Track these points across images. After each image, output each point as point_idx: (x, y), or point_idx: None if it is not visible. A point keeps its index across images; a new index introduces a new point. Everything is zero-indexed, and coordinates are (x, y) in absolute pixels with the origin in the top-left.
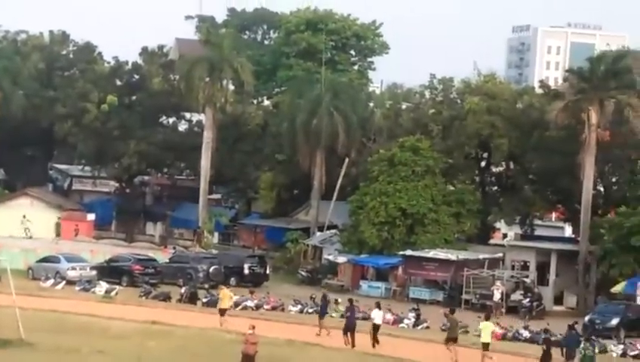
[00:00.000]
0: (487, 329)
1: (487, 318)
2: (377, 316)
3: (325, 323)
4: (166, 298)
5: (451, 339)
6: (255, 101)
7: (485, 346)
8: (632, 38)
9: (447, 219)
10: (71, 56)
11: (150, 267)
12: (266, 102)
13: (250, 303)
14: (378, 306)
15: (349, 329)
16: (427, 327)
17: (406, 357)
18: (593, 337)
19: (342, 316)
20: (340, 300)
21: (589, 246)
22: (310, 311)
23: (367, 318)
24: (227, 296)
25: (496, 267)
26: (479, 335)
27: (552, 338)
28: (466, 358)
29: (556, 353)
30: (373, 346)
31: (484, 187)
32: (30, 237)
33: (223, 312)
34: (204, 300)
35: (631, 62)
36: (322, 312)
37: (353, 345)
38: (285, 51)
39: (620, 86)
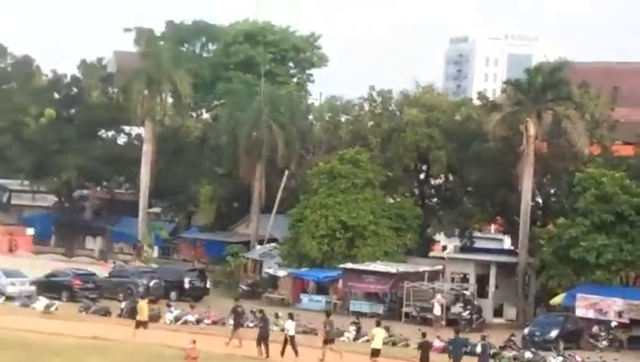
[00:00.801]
0: (378, 336)
1: (378, 324)
2: (290, 327)
3: (241, 334)
4: (106, 313)
5: (328, 341)
6: (194, 114)
7: (375, 352)
8: (569, 49)
9: (387, 231)
10: (9, 69)
11: (90, 281)
12: (205, 115)
13: (190, 317)
14: (291, 317)
15: (263, 338)
16: (368, 341)
17: None
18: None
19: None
20: (280, 314)
21: (528, 258)
22: (250, 325)
23: (307, 332)
24: (145, 308)
25: (436, 279)
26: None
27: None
28: None
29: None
30: (282, 354)
31: (424, 199)
32: None
33: (139, 324)
34: None
35: (568, 73)
36: (236, 323)
37: (267, 355)
38: (224, 63)
39: (557, 97)
